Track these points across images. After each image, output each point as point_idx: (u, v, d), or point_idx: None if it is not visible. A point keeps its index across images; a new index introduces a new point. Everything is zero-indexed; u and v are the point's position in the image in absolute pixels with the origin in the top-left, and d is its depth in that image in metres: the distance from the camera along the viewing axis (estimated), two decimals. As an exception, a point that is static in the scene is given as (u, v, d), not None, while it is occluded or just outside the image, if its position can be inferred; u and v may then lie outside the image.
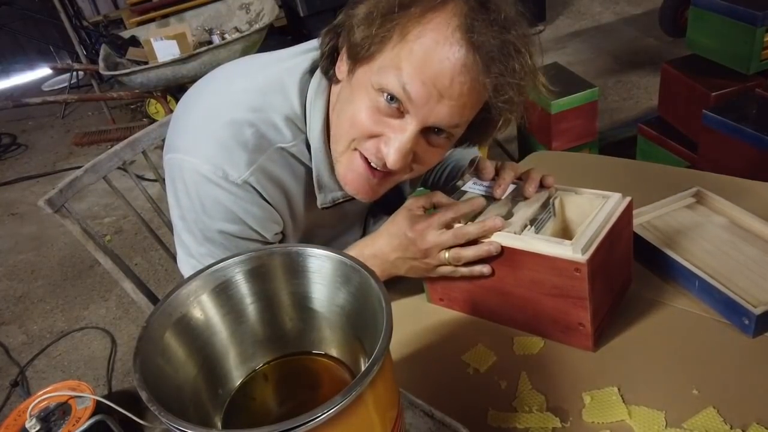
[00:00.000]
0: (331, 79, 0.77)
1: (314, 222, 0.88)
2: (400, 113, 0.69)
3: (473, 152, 1.08)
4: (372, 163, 0.73)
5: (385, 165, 0.71)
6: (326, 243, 0.93)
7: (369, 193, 0.77)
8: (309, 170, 0.81)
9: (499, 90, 0.66)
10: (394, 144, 0.69)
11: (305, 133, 0.79)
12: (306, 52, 0.81)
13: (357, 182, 0.75)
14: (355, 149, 0.73)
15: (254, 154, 0.75)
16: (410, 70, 0.65)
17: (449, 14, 0.65)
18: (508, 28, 0.65)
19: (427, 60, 0.64)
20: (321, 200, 0.82)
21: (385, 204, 0.92)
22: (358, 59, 0.70)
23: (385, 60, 0.67)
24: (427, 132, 0.71)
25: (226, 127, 0.74)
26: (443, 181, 1.07)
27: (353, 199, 0.84)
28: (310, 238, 0.90)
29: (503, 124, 0.74)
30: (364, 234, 0.97)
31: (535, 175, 0.81)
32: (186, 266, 0.84)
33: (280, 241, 0.88)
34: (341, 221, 0.91)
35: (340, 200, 0.84)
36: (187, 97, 0.82)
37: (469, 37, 0.64)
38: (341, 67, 0.74)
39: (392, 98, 0.67)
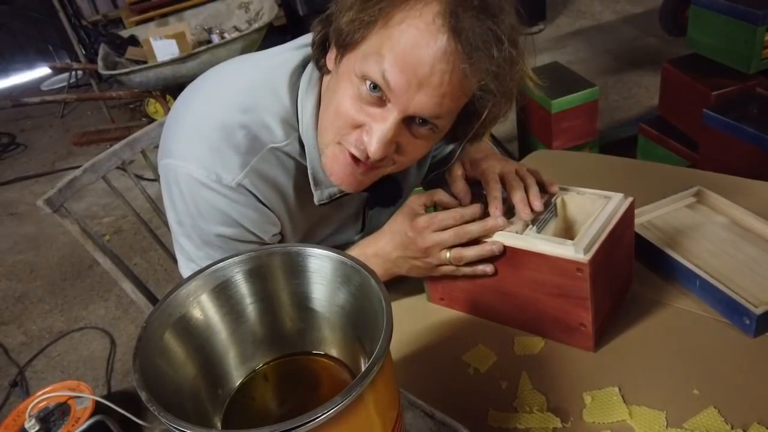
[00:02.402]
0: (321, 69, 0.77)
1: (313, 221, 0.88)
2: (382, 102, 0.68)
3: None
4: (356, 154, 0.72)
5: (368, 156, 0.70)
6: (326, 239, 0.93)
7: (354, 184, 0.76)
8: (303, 167, 0.80)
9: (477, 77, 0.66)
10: (375, 133, 0.68)
11: (298, 131, 0.78)
12: (297, 48, 0.81)
13: (342, 174, 0.75)
14: (339, 143, 0.73)
15: (247, 156, 0.75)
16: (391, 57, 0.64)
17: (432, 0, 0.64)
18: (492, 15, 0.64)
19: (408, 47, 0.64)
20: (318, 197, 0.82)
21: (383, 195, 0.91)
22: (343, 46, 0.69)
23: (369, 47, 0.67)
24: (409, 122, 0.70)
25: (218, 130, 0.74)
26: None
27: (350, 193, 0.83)
28: (311, 238, 0.90)
29: (490, 119, 0.73)
30: (363, 227, 0.96)
31: (534, 190, 0.79)
32: (187, 271, 0.84)
33: (280, 242, 0.87)
34: (340, 216, 0.91)
35: (337, 195, 0.83)
36: (179, 101, 0.81)
37: (451, 24, 0.63)
38: (330, 56, 0.74)
39: (374, 86, 0.67)
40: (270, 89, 0.77)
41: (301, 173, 0.81)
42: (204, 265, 0.80)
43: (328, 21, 0.72)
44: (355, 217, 0.94)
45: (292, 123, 0.78)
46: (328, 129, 0.73)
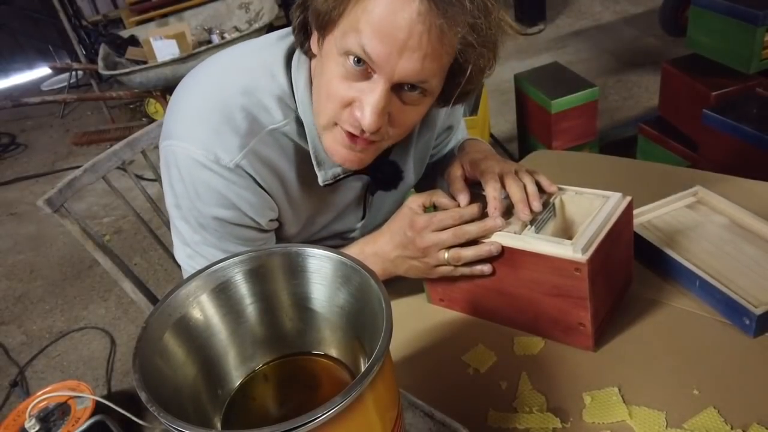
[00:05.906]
0: (308, 54, 0.78)
1: (314, 207, 0.88)
2: (368, 75, 0.69)
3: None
4: (351, 132, 0.73)
5: (363, 131, 0.71)
6: (327, 226, 0.93)
7: (356, 161, 0.77)
8: (302, 150, 0.81)
9: (454, 31, 0.66)
10: (367, 106, 0.69)
11: (295, 111, 0.79)
12: (286, 35, 0.82)
13: (342, 152, 0.76)
14: (335, 124, 0.74)
15: (246, 137, 0.76)
16: (368, 29, 0.65)
17: None
18: None
19: (383, 16, 0.64)
20: (322, 177, 0.82)
21: (383, 179, 0.92)
22: (323, 27, 0.70)
23: (346, 23, 0.67)
24: (398, 90, 0.70)
25: (218, 112, 0.75)
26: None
27: (353, 174, 0.84)
28: (311, 225, 0.90)
29: (476, 72, 0.73)
30: (364, 215, 0.97)
31: (533, 190, 0.79)
32: (181, 254, 0.85)
33: (278, 230, 0.88)
34: (341, 202, 0.91)
35: (341, 176, 0.83)
36: (179, 88, 0.83)
37: None
38: (313, 40, 0.75)
39: (358, 60, 0.67)
40: (267, 72, 0.78)
41: (300, 156, 0.81)
42: (199, 248, 0.82)
43: (305, 5, 0.73)
44: (357, 203, 0.94)
45: (289, 103, 0.79)
46: (322, 112, 0.74)
